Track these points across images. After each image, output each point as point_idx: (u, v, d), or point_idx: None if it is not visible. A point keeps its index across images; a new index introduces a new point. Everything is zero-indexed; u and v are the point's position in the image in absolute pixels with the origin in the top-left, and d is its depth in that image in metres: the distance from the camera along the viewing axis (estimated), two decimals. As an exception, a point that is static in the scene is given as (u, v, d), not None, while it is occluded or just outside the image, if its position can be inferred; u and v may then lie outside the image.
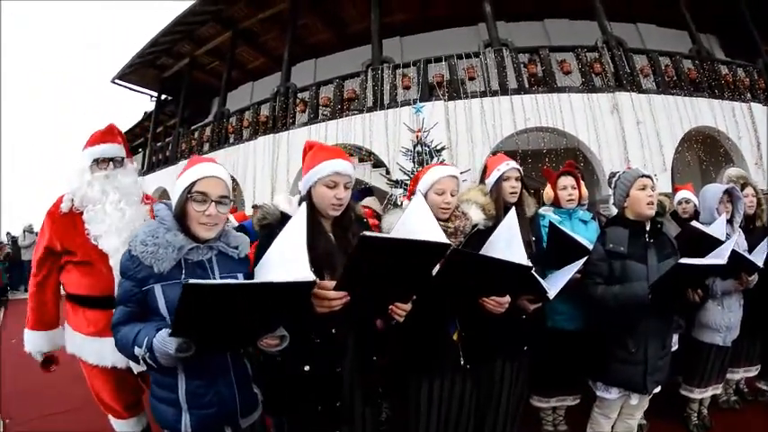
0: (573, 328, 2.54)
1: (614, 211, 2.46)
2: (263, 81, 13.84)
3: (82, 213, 2.21)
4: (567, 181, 2.83)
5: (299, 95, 10.20)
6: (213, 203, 1.48)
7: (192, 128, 13.12)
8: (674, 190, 3.99)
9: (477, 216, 2.14)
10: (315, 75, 12.59)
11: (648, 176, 2.25)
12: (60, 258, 2.27)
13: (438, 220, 1.87)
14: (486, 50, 8.72)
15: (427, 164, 5.91)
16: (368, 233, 1.32)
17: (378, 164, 8.83)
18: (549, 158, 8.13)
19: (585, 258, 2.28)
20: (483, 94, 8.20)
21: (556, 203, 2.87)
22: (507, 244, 1.86)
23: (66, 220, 2.22)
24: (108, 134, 2.33)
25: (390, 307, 1.61)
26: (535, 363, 2.40)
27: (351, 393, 1.69)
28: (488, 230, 2.06)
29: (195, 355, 1.32)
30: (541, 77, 8.45)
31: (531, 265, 1.73)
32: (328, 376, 1.64)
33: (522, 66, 8.50)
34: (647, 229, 2.24)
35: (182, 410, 1.46)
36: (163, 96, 15.18)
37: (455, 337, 1.95)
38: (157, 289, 1.45)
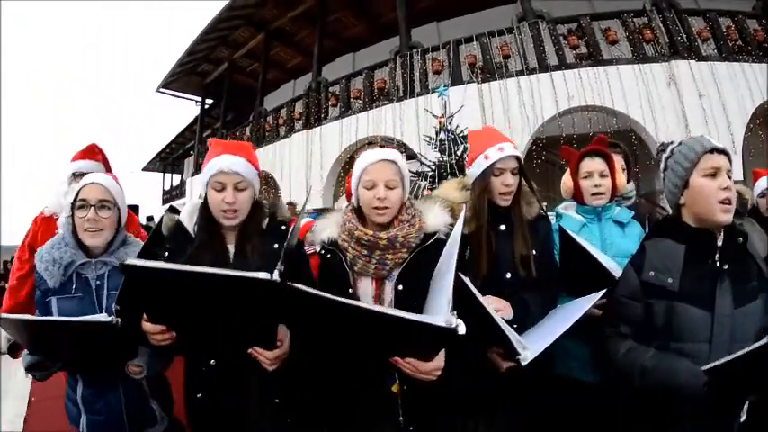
0: (591, 380, 1.67)
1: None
2: (304, 79, 13.79)
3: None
4: (592, 165, 1.90)
5: (331, 90, 10.12)
6: (93, 208, 1.50)
7: (233, 129, 13.38)
8: (754, 176, 3.06)
9: (436, 221, 1.48)
10: (353, 69, 12.32)
11: (723, 152, 1.30)
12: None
13: (374, 225, 1.45)
14: (520, 25, 7.94)
15: (452, 153, 5.49)
16: (131, 260, 1.10)
17: (413, 156, 8.47)
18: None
19: (602, 294, 1.44)
20: (520, 73, 7.51)
21: (578, 198, 1.95)
22: (440, 276, 1.30)
23: (46, 223, 2.43)
24: (88, 152, 2.53)
25: (249, 351, 1.23)
26: (531, 422, 1.62)
27: None
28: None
29: (56, 371, 1.46)
30: (585, 50, 7.63)
31: (450, 326, 1.01)
32: (226, 408, 1.38)
33: (561, 38, 7.64)
34: (719, 244, 1.30)
35: (81, 411, 1.55)
36: (209, 101, 15.72)
37: (394, 388, 1.38)
38: (53, 302, 1.52)
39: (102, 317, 1.31)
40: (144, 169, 21.15)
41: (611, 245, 1.81)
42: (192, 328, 1.25)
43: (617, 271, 1.49)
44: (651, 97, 6.95)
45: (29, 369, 1.41)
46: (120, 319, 1.27)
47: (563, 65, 7.46)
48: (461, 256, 1.40)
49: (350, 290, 1.41)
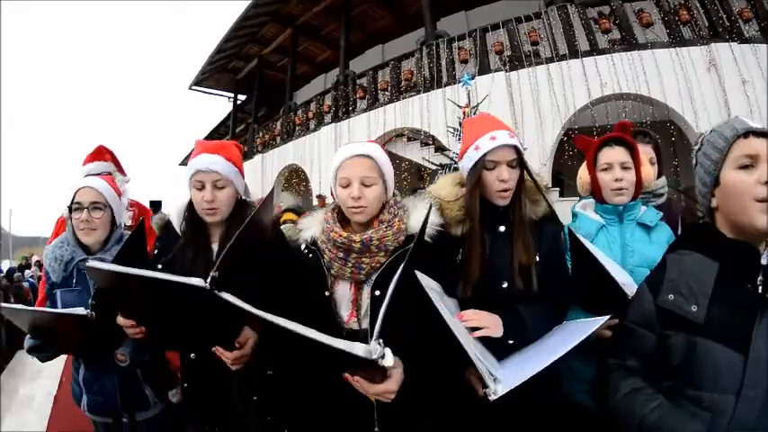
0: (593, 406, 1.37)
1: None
2: (334, 72, 13.92)
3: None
4: (613, 155, 1.61)
5: (359, 82, 10.15)
6: (86, 210, 1.65)
7: (265, 123, 13.62)
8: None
9: (421, 221, 1.27)
10: (382, 60, 12.18)
11: (764, 134, 0.97)
12: None
13: (356, 225, 1.37)
14: (548, 9, 7.49)
15: None
16: (91, 263, 1.23)
17: (442, 147, 8.34)
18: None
19: (607, 318, 1.21)
20: (549, 60, 7.19)
21: (596, 195, 1.66)
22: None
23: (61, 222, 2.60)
24: (97, 154, 2.63)
25: (213, 350, 1.28)
26: None
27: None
28: (441, 243, 1.33)
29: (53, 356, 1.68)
30: (617, 35, 7.14)
31: (369, 357, 0.94)
32: (211, 400, 1.48)
33: (592, 22, 7.20)
34: (764, 262, 0.96)
35: (82, 392, 1.72)
36: (241, 96, 16.10)
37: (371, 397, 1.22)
38: (58, 295, 1.69)
39: (80, 310, 1.44)
40: (181, 164, 21.79)
41: (633, 252, 1.54)
42: (155, 325, 1.36)
43: (632, 287, 1.22)
44: (690, 83, 6.44)
45: (29, 351, 1.62)
46: (94, 313, 1.40)
47: (594, 50, 7.04)
48: (452, 260, 1.35)
49: (326, 293, 1.35)
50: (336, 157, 1.37)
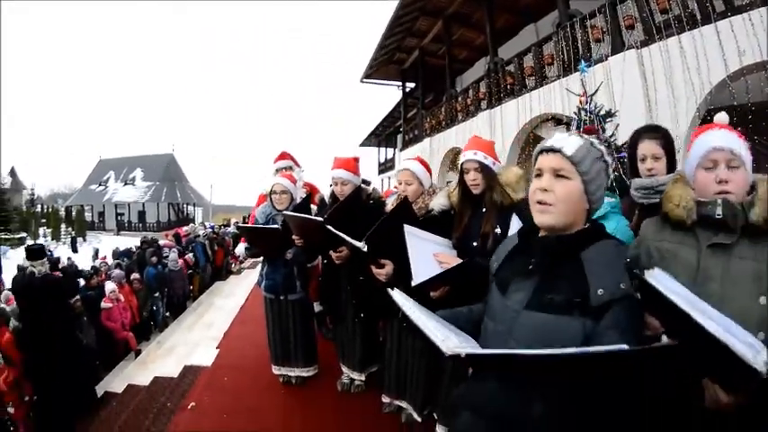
0: None
1: None
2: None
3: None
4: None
5: (507, 68, 10.66)
6: (277, 194, 3.28)
7: (431, 109, 15.07)
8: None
9: (435, 202, 2.43)
10: (537, 38, 11.61)
11: (552, 150, 1.20)
12: None
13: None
14: None
15: (599, 133, 5.59)
16: (284, 213, 3.03)
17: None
18: None
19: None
20: (680, 30, 6.41)
21: None
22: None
23: (263, 197, 3.99)
24: (282, 157, 4.26)
25: (330, 253, 2.86)
26: None
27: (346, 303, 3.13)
28: (444, 214, 2.38)
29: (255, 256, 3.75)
30: None
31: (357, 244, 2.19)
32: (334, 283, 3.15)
33: None
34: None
35: (263, 279, 3.40)
36: (410, 84, 17.73)
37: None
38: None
39: (273, 227, 3.11)
40: (361, 145, 24.83)
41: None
42: (306, 240, 2.89)
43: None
44: None
45: (246, 251, 3.65)
46: (281, 230, 2.99)
47: (730, 9, 5.99)
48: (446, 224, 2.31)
49: None
50: (397, 167, 2.92)
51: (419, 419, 2.71)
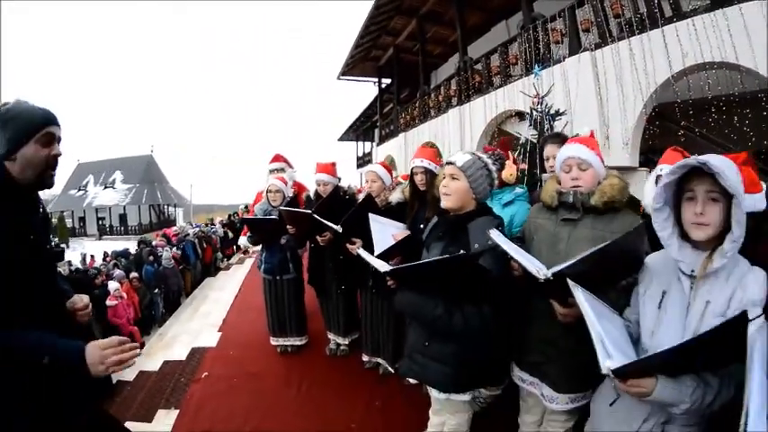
0: None
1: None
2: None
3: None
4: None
5: (475, 67, 11.40)
6: (273, 192, 3.90)
7: (405, 106, 15.79)
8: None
9: (393, 196, 3.17)
10: (509, 35, 12.00)
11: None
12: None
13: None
14: None
15: (547, 131, 5.92)
16: (280, 209, 3.62)
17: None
18: (716, 109, 6.28)
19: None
20: (630, 33, 7.12)
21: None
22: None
23: (260, 195, 4.49)
24: (276, 159, 4.77)
25: (316, 236, 3.46)
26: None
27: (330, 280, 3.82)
28: (400, 205, 3.10)
29: (256, 243, 4.23)
30: None
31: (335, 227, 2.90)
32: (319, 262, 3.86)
33: None
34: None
35: (262, 262, 4.03)
36: (386, 80, 18.42)
37: None
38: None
39: (271, 217, 3.76)
40: (339, 139, 25.40)
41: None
42: (298, 228, 3.50)
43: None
44: None
45: (248, 240, 4.15)
46: (278, 220, 3.58)
47: (676, 15, 6.63)
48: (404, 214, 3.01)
49: None
50: (366, 168, 3.46)
51: (393, 371, 3.40)
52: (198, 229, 14.31)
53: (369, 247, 2.41)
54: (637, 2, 7.23)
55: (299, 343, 4.19)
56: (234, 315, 6.03)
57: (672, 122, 7.84)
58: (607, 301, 1.49)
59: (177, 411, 3.51)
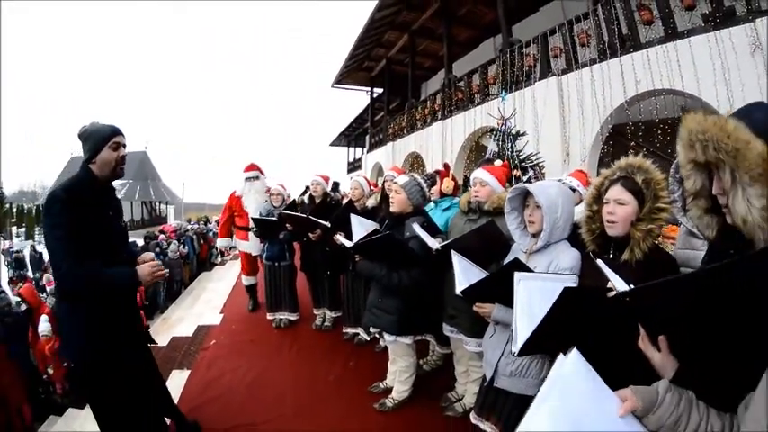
0: None
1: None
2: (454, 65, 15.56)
3: (241, 197, 5.70)
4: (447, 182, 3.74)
5: (458, 85, 12.27)
6: (274, 196, 5.04)
7: (393, 117, 16.69)
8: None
9: (370, 202, 4.32)
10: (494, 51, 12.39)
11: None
12: (232, 213, 5.82)
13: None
14: (596, 7, 7.89)
15: (509, 149, 6.80)
16: (281, 212, 4.69)
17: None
18: (662, 130, 7.03)
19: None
20: (593, 62, 7.80)
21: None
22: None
23: (236, 199, 5.60)
24: (251, 168, 5.51)
25: (310, 234, 4.40)
26: None
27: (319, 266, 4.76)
28: (375, 209, 4.07)
29: (262, 238, 5.19)
30: (658, 25, 6.97)
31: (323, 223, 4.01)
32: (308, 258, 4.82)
33: (632, 14, 7.29)
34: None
35: (265, 250, 5.05)
36: (378, 90, 19.34)
37: None
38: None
39: (273, 218, 4.64)
40: (331, 144, 26.16)
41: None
42: (294, 226, 4.48)
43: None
44: (728, 73, 5.90)
45: (255, 233, 5.24)
46: (278, 220, 4.55)
47: (634, 45, 7.20)
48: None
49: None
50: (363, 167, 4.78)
51: (368, 339, 4.22)
52: (196, 225, 15.14)
53: (349, 238, 3.22)
54: (601, 33, 7.89)
55: (291, 318, 5.08)
56: (234, 299, 6.89)
57: (625, 140, 8.60)
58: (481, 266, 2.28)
59: (189, 371, 4.26)
